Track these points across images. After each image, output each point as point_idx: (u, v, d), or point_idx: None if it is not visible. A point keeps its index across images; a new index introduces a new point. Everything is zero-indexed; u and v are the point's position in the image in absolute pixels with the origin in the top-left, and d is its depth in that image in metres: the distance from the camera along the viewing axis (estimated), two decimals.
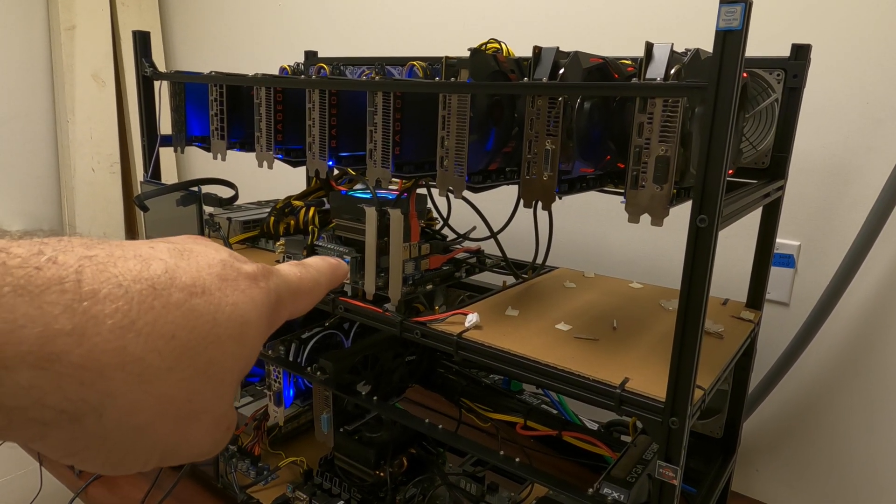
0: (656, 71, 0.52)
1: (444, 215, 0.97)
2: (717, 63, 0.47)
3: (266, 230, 1.04)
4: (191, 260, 0.23)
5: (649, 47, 0.53)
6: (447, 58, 0.66)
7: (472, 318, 0.72)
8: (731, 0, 0.45)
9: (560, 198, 0.62)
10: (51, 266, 0.19)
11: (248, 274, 0.25)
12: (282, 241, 0.94)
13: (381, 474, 0.93)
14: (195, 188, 0.96)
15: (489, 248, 0.96)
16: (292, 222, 1.01)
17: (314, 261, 0.31)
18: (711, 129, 0.48)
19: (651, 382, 0.59)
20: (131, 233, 2.06)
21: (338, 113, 0.78)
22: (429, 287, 0.83)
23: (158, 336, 0.20)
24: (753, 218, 0.78)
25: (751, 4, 0.46)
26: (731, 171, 0.66)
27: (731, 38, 0.46)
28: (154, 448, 0.22)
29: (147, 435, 0.21)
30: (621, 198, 0.56)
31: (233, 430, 0.26)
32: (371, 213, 0.77)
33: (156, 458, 0.22)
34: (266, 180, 1.34)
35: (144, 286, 0.20)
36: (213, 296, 0.22)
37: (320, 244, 0.89)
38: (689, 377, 0.53)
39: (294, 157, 0.86)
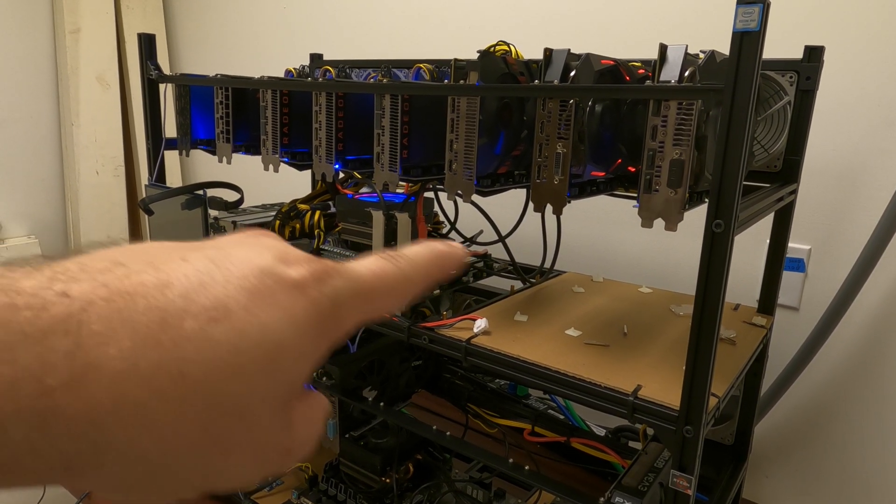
0: (670, 73, 0.52)
1: (452, 219, 0.96)
2: (734, 65, 0.46)
3: None
4: (222, 271, 0.20)
5: (663, 49, 0.53)
6: (456, 60, 0.65)
7: (480, 323, 0.71)
8: (748, 0, 0.44)
9: (570, 202, 0.61)
10: (59, 301, 0.17)
11: (292, 282, 0.21)
12: None
13: (387, 480, 0.92)
14: (200, 191, 0.95)
15: (496, 251, 0.95)
16: (297, 226, 1.00)
17: (413, 250, 0.26)
18: (728, 133, 0.47)
19: (664, 390, 0.58)
20: (135, 237, 2.06)
21: (344, 116, 0.77)
22: (436, 292, 0.82)
23: (163, 376, 0.18)
24: (760, 220, 0.77)
25: (768, 5, 0.45)
26: None
27: (748, 40, 0.45)
28: (180, 484, 0.20)
29: (162, 475, 0.19)
30: (629, 201, 0.56)
31: (295, 454, 0.23)
32: (378, 216, 0.76)
33: (188, 492, 0.20)
34: (271, 184, 1.33)
35: (153, 318, 0.18)
36: (237, 318, 0.19)
37: (326, 248, 0.88)
38: (704, 385, 0.52)
39: (300, 160, 0.85)
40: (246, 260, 0.21)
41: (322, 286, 0.22)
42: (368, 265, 0.24)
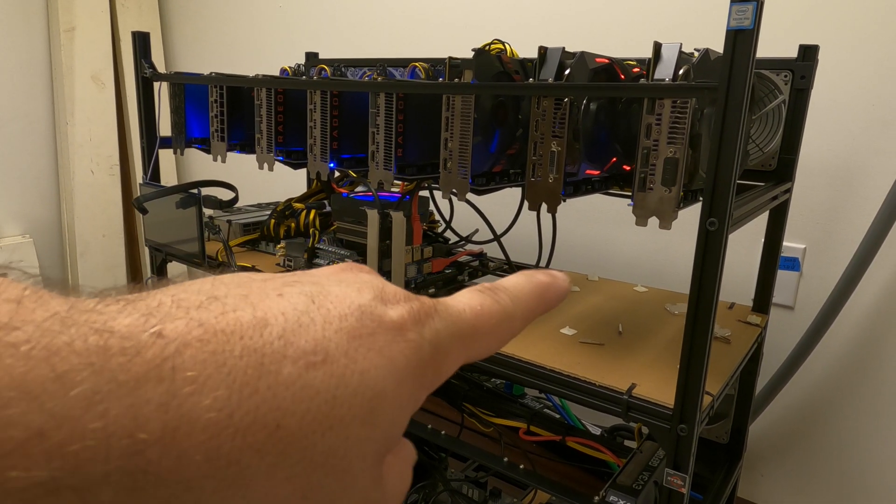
0: (665, 71, 0.52)
1: (447, 218, 0.96)
2: (728, 63, 0.46)
3: (266, 233, 1.03)
4: (321, 310, 0.19)
5: (657, 47, 0.52)
6: (451, 58, 0.65)
7: None
8: None
9: (565, 200, 0.61)
10: (154, 343, 0.16)
11: (391, 324, 0.20)
12: (282, 243, 0.93)
13: None
14: (195, 190, 0.95)
15: (492, 250, 0.95)
16: (293, 225, 1.00)
17: (513, 283, 0.24)
18: (722, 131, 0.47)
19: (658, 388, 0.58)
20: (130, 236, 2.05)
21: (339, 114, 0.77)
22: (431, 291, 0.82)
23: (259, 429, 0.16)
24: (755, 219, 0.77)
25: (762, 3, 0.45)
26: None
27: (741, 38, 0.45)
28: None
29: None
30: (624, 200, 0.56)
31: None
32: (373, 215, 0.76)
33: None
34: (266, 182, 1.33)
35: (250, 362, 0.17)
36: (337, 363, 0.18)
37: (321, 247, 0.88)
38: (699, 383, 0.52)
39: (295, 158, 0.85)
40: (345, 297, 0.20)
41: (422, 328, 0.20)
42: (468, 302, 0.22)
